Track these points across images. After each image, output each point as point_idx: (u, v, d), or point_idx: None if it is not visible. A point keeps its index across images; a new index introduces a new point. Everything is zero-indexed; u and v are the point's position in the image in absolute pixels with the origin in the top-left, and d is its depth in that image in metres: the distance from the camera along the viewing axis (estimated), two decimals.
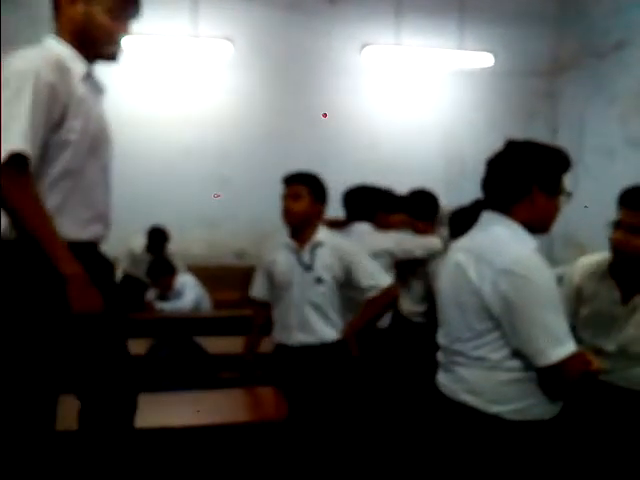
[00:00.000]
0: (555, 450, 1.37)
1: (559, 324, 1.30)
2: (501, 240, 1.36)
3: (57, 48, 1.47)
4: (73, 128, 1.40)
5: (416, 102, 5.25)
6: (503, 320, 1.31)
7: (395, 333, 2.56)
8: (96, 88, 1.56)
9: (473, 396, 1.34)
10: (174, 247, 4.23)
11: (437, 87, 5.26)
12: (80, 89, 1.45)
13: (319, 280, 2.14)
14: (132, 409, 1.60)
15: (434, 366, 1.52)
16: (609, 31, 4.73)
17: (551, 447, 1.37)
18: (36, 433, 1.43)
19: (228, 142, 4.91)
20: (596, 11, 4.89)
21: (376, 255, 2.51)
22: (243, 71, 4.94)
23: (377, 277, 2.18)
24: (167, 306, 3.80)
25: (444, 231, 2.84)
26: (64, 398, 1.52)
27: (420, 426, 1.59)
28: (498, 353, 1.32)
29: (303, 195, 2.17)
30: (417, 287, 2.63)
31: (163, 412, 2.00)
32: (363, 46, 4.57)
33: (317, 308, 2.15)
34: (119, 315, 1.60)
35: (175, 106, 4.88)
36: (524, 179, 1.37)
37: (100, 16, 1.48)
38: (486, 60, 4.69)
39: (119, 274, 3.93)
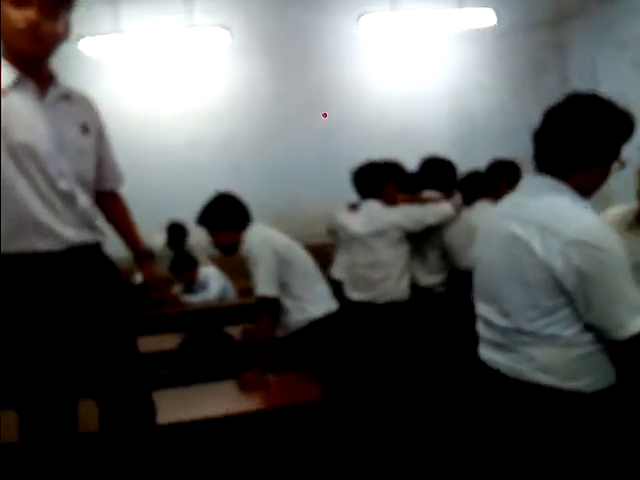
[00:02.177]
0: (630, 411, 1.35)
1: (633, 292, 1.24)
2: (565, 209, 1.26)
3: None
4: None
5: (421, 67, 5.16)
6: (577, 295, 1.23)
7: (415, 306, 2.56)
8: (37, 97, 1.47)
9: (548, 374, 1.28)
10: (193, 240, 4.28)
11: (441, 49, 5.16)
12: (4, 99, 1.39)
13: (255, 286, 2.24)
14: (149, 406, 1.62)
15: (464, 338, 1.50)
16: None
17: (627, 409, 1.34)
18: (57, 435, 1.47)
19: (235, 130, 4.91)
20: None
21: (384, 230, 2.52)
22: (243, 57, 4.91)
23: (258, 285, 2.18)
24: (194, 299, 3.86)
25: (457, 197, 2.80)
26: (86, 401, 1.56)
27: (471, 408, 1.48)
28: (570, 329, 1.26)
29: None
30: (433, 257, 2.60)
31: (202, 404, 2.06)
32: (360, 16, 4.48)
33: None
34: (125, 316, 1.62)
35: (179, 100, 4.88)
36: (591, 149, 1.28)
37: (8, 9, 1.38)
38: (488, 16, 4.56)
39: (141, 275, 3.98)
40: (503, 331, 1.35)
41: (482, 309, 1.42)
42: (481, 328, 1.44)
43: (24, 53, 1.43)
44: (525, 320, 1.29)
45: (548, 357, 1.28)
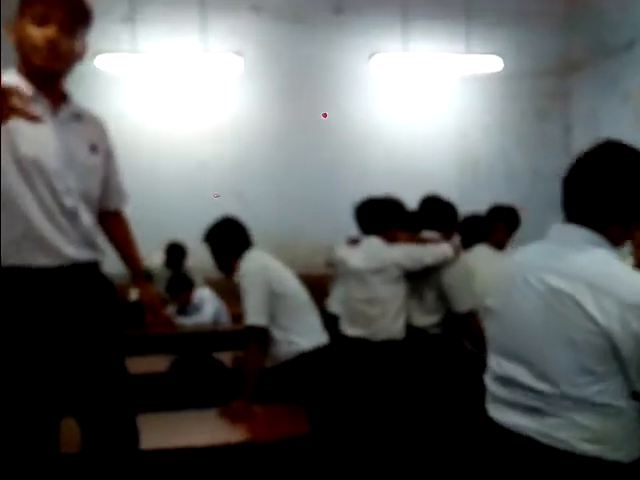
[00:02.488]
0: None
1: None
2: (614, 268, 1.19)
3: (5, 77, 1.41)
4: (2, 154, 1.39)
5: (427, 108, 5.25)
6: (632, 361, 1.15)
7: (409, 346, 2.55)
8: (50, 113, 1.49)
9: (595, 444, 1.18)
10: (191, 261, 4.29)
11: (447, 92, 5.26)
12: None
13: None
14: (133, 430, 1.60)
15: (457, 381, 1.43)
16: (620, 28, 4.69)
17: None
18: (38, 455, 1.45)
19: (242, 155, 4.96)
20: (605, 7, 4.85)
21: (383, 269, 2.53)
22: (254, 84, 5.00)
23: (247, 314, 2.20)
24: (187, 321, 3.84)
25: (456, 239, 2.80)
26: (69, 421, 1.54)
27: (483, 469, 1.35)
28: (621, 397, 1.18)
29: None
30: (429, 298, 2.60)
31: (186, 431, 2.03)
32: (371, 55, 4.59)
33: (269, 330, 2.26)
34: (116, 335, 1.61)
35: (189, 122, 4.95)
36: (635, 206, 1.21)
37: (27, 26, 1.44)
38: (495, 63, 4.68)
39: (136, 293, 3.97)
40: (539, 394, 1.21)
41: (503, 366, 1.29)
42: (497, 387, 1.31)
43: (41, 69, 1.47)
44: (572, 386, 1.18)
45: (598, 426, 1.18)
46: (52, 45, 1.44)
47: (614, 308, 1.13)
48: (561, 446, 1.19)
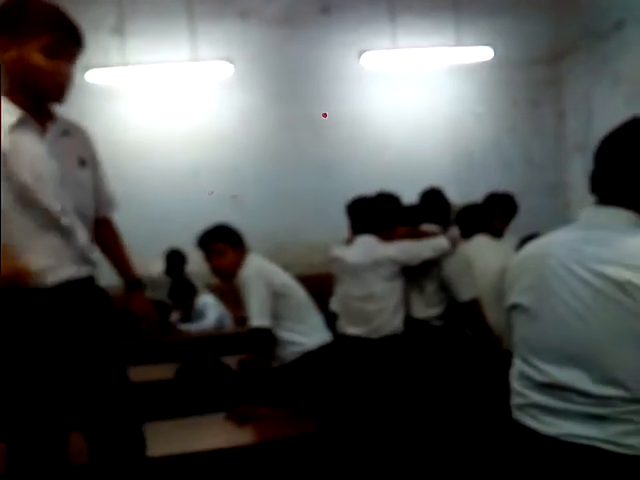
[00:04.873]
0: None
1: None
2: None
3: None
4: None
5: (419, 102, 5.25)
6: None
7: (411, 338, 2.55)
8: (39, 135, 1.48)
9: None
10: (190, 267, 4.29)
11: (438, 85, 5.27)
12: (8, 139, 1.40)
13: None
14: (138, 439, 1.60)
15: (461, 372, 1.39)
16: (607, 10, 4.69)
17: None
18: (46, 467, 1.47)
19: (236, 160, 4.97)
20: None
21: (378, 264, 2.54)
22: (245, 89, 5.01)
23: (251, 317, 2.23)
24: (191, 327, 3.85)
25: (454, 230, 2.81)
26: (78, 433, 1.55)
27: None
28: None
29: (225, 250, 2.37)
30: (430, 290, 2.60)
31: (195, 436, 2.04)
32: (361, 53, 4.59)
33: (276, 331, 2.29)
34: (116, 348, 1.61)
35: (182, 129, 4.96)
36: None
37: (35, 56, 1.42)
38: (485, 54, 4.68)
39: None
40: (602, 400, 1.08)
41: (549, 372, 1.14)
42: (540, 396, 1.16)
43: (46, 98, 1.48)
44: None
45: None
46: (70, 81, 1.47)
47: None
48: (630, 452, 1.06)
